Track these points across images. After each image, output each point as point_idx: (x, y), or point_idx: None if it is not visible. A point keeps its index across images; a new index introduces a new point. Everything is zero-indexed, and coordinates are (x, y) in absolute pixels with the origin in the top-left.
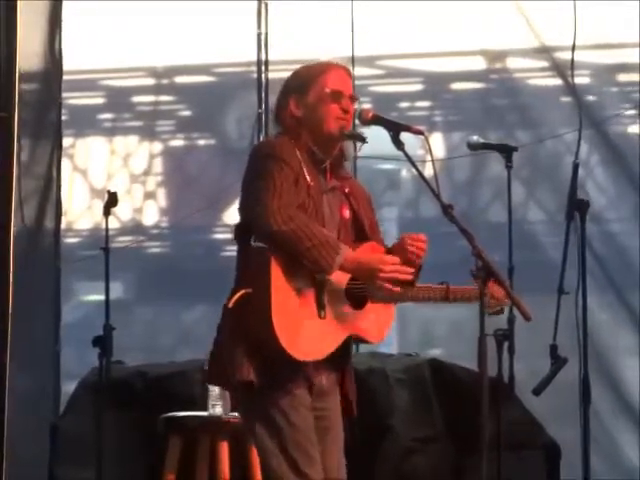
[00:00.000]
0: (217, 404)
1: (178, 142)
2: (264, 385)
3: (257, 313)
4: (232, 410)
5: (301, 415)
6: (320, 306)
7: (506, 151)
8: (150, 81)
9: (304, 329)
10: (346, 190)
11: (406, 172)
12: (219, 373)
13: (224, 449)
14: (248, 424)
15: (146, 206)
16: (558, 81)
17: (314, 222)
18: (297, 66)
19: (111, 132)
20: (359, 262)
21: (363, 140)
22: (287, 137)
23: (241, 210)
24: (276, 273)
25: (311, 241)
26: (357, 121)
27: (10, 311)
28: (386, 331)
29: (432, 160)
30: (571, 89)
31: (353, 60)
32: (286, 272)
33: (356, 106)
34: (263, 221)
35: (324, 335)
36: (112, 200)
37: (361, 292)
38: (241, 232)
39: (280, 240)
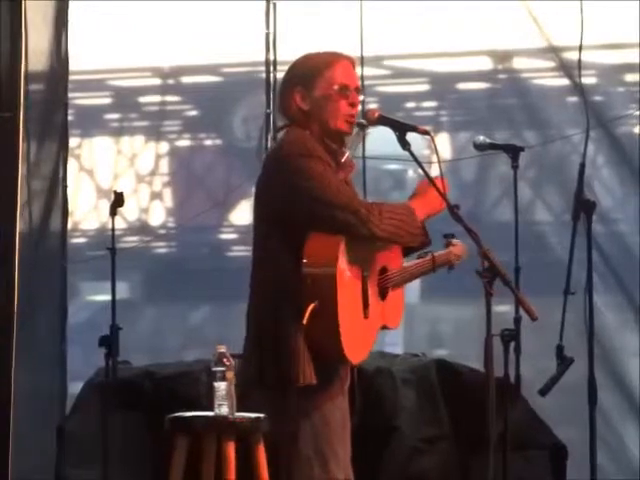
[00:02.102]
0: (223, 404)
1: (185, 142)
2: (309, 388)
3: (324, 324)
4: (255, 411)
5: (337, 418)
6: (366, 306)
7: (513, 151)
8: (157, 81)
9: (357, 333)
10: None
11: (412, 172)
12: (279, 376)
13: (230, 449)
14: (284, 426)
15: (152, 206)
16: (565, 81)
17: (382, 202)
18: None
19: (117, 132)
20: (426, 212)
21: (366, 126)
22: (300, 130)
23: (291, 212)
24: (341, 283)
25: (402, 222)
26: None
27: (16, 311)
28: (401, 315)
29: (438, 160)
30: (578, 89)
31: (362, 60)
32: (345, 279)
33: (361, 98)
34: (364, 227)
35: (368, 333)
36: (118, 200)
37: (386, 284)
38: (273, 229)
39: (383, 237)
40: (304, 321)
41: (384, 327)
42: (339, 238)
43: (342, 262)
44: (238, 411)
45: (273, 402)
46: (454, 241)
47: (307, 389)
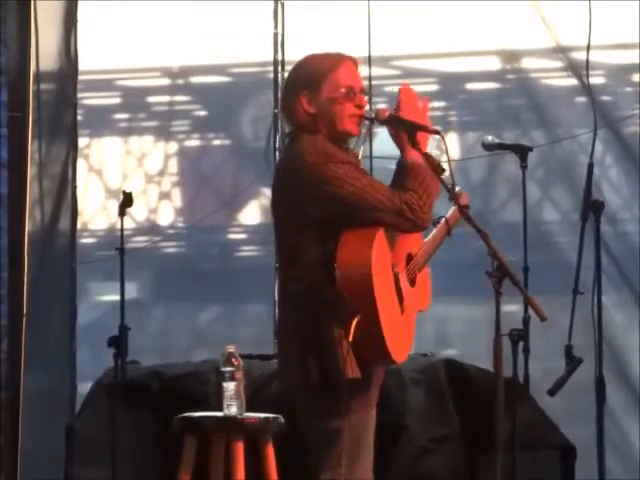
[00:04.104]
0: (232, 404)
1: (193, 142)
2: (353, 388)
3: (366, 328)
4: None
5: (371, 423)
6: (401, 301)
7: (521, 151)
8: (165, 81)
9: (398, 331)
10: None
11: None
12: (326, 372)
13: (239, 449)
14: (324, 425)
15: (161, 206)
16: (573, 81)
17: (403, 185)
18: None
19: (126, 132)
20: (425, 146)
21: (374, 121)
22: (311, 135)
23: (327, 219)
24: (377, 284)
25: (429, 189)
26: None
27: (25, 311)
28: (430, 294)
29: (448, 160)
30: (586, 89)
31: (370, 60)
32: (380, 280)
33: (366, 98)
34: (413, 225)
35: (407, 329)
36: (127, 200)
37: (415, 270)
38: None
39: (430, 221)
40: (350, 337)
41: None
42: (370, 238)
43: (376, 265)
44: (286, 416)
45: (317, 402)
46: (457, 191)
47: (350, 390)
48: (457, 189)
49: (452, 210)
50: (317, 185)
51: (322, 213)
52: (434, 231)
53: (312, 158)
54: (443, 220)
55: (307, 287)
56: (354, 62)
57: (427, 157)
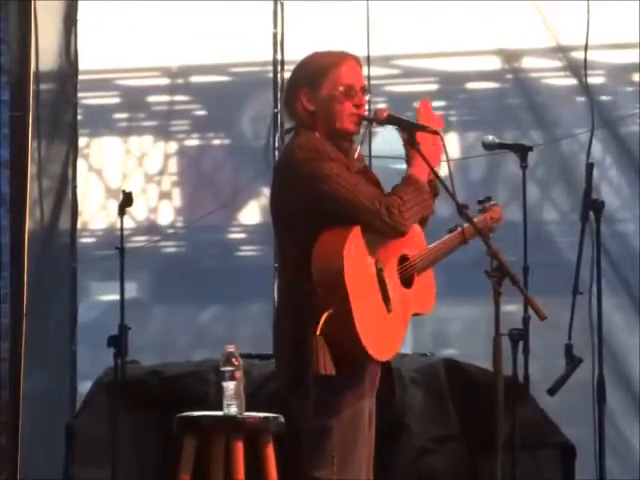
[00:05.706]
0: (232, 404)
1: (193, 142)
2: (342, 385)
3: (340, 324)
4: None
5: (365, 418)
6: (386, 300)
7: (521, 151)
8: (165, 81)
9: (380, 329)
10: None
11: None
12: (305, 369)
13: (239, 449)
14: (314, 422)
15: (161, 206)
16: (573, 81)
17: (394, 191)
18: None
19: (126, 132)
20: (428, 171)
21: (372, 121)
22: (308, 132)
23: (311, 216)
24: (351, 281)
25: (417, 204)
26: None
27: (25, 311)
28: (433, 298)
29: (447, 160)
30: (585, 89)
31: (369, 60)
32: (356, 277)
33: (367, 97)
34: (390, 228)
35: (394, 327)
36: (127, 200)
37: (410, 271)
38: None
39: (407, 230)
40: (318, 331)
41: (417, 314)
42: (345, 234)
43: (349, 260)
44: (285, 416)
45: (304, 400)
46: (490, 204)
47: (339, 387)
48: (492, 202)
49: (478, 218)
50: (302, 181)
51: (306, 209)
52: (445, 237)
53: (302, 154)
54: (459, 229)
55: (295, 285)
56: (357, 61)
57: (434, 172)
